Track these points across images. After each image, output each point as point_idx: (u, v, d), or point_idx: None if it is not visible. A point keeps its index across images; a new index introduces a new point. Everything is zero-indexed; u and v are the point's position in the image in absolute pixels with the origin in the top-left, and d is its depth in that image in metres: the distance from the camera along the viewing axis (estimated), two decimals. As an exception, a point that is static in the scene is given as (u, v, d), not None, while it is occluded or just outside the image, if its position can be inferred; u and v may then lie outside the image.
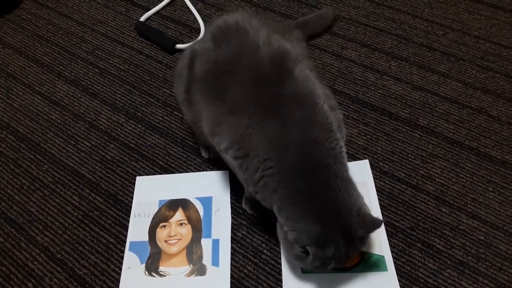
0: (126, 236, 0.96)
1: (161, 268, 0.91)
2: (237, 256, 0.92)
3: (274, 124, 0.77)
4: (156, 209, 0.99)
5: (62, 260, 0.94)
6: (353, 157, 1.04)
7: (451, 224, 0.93)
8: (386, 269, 0.87)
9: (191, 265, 0.91)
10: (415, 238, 0.92)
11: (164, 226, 0.97)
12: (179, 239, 0.95)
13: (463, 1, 1.36)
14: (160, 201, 1.00)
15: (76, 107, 1.20)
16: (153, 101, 1.20)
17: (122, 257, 0.93)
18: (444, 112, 1.11)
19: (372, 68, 1.22)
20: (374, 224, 0.77)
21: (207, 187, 1.02)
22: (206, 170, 1.05)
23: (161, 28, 1.38)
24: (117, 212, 1.00)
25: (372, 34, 1.30)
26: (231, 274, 0.89)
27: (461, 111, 1.11)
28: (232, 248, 0.93)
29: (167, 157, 1.08)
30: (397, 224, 0.94)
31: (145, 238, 0.95)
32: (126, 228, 0.98)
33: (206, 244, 0.93)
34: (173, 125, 1.14)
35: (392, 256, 0.89)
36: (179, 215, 0.98)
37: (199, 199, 1.00)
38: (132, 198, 1.02)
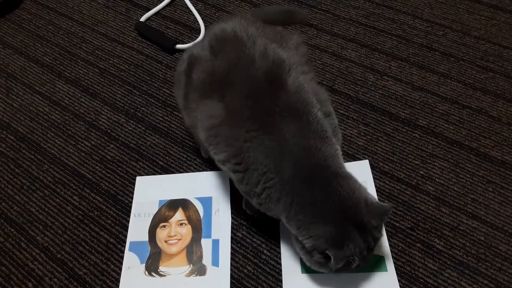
0: (126, 236, 0.96)
1: (161, 268, 0.91)
2: (237, 256, 0.92)
3: (270, 138, 0.79)
4: (156, 209, 0.99)
5: (62, 260, 0.94)
6: (353, 157, 1.04)
7: (451, 225, 0.93)
8: (386, 270, 0.87)
9: (191, 265, 0.91)
10: (415, 238, 0.92)
11: (164, 226, 0.97)
12: (179, 239, 0.95)
13: (463, 2, 1.36)
14: (160, 201, 1.01)
15: (76, 107, 1.20)
16: (153, 101, 1.20)
17: (122, 257, 0.93)
18: (444, 113, 1.11)
19: (372, 68, 1.22)
20: (384, 210, 0.78)
21: (207, 187, 1.02)
22: (206, 170, 1.05)
23: (161, 28, 1.38)
24: (117, 212, 1.00)
25: (372, 34, 1.30)
26: (231, 274, 0.89)
27: (461, 112, 1.11)
28: (232, 248, 0.93)
29: (167, 157, 1.08)
30: (397, 224, 0.94)
31: (145, 238, 0.95)
32: (126, 228, 0.98)
33: (206, 244, 0.93)
34: (173, 125, 1.14)
35: (392, 256, 0.89)
36: (179, 215, 0.98)
37: (199, 199, 1.00)
38: (132, 198, 1.02)
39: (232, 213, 0.97)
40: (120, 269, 0.92)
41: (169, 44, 1.31)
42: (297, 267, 0.88)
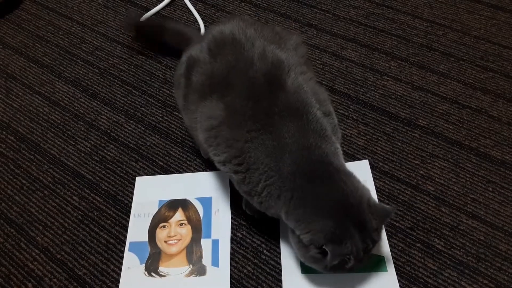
0: (125, 237, 0.96)
1: (161, 269, 0.91)
2: (237, 256, 0.92)
3: (271, 137, 0.79)
4: (155, 209, 0.99)
5: (62, 260, 0.94)
6: (353, 157, 1.04)
7: (451, 224, 0.93)
8: (386, 269, 0.87)
9: (191, 266, 0.91)
10: (415, 238, 0.92)
11: (164, 226, 0.97)
12: (179, 240, 0.95)
13: (463, 1, 1.36)
14: (160, 201, 1.01)
15: (76, 108, 1.20)
16: (153, 101, 1.20)
17: (122, 258, 0.93)
18: (444, 112, 1.11)
19: (372, 68, 1.22)
20: (386, 213, 0.78)
21: (207, 188, 1.02)
22: (206, 171, 1.05)
23: (161, 29, 1.38)
24: (117, 212, 1.00)
25: (372, 34, 1.30)
26: (230, 275, 0.89)
27: (461, 111, 1.11)
28: (232, 248, 0.93)
29: (167, 158, 1.08)
30: (397, 224, 0.94)
31: (145, 238, 0.95)
32: (126, 228, 0.98)
33: (206, 244, 0.93)
34: (173, 126, 1.14)
35: (392, 256, 0.89)
36: (179, 215, 0.98)
37: (198, 199, 1.00)
38: (132, 198, 1.02)
39: (232, 213, 0.97)
40: (120, 270, 0.92)
41: (169, 44, 1.31)
42: (296, 267, 0.88)
